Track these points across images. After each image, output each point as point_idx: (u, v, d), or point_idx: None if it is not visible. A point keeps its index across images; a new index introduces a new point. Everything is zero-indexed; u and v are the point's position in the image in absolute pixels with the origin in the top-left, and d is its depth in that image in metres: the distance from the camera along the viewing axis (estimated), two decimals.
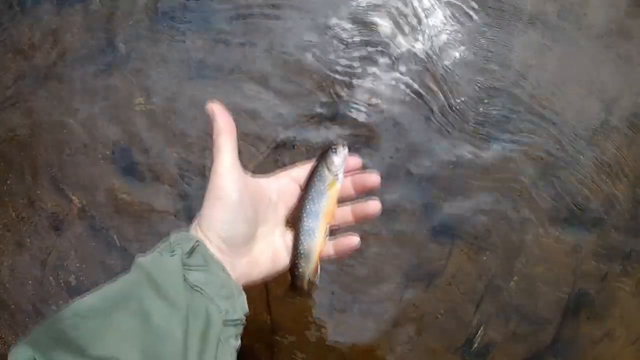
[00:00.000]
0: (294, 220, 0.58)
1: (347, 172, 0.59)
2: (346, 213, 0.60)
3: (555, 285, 0.87)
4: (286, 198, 0.59)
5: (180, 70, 0.94)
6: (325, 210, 0.57)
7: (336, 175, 0.57)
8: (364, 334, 0.85)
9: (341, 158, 0.58)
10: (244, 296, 0.52)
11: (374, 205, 0.58)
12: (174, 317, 0.45)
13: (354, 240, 0.58)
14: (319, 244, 0.57)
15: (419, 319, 0.85)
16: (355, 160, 0.60)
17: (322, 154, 0.59)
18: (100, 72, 0.95)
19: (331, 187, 0.57)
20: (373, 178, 0.59)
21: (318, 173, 0.57)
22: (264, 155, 0.93)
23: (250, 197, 0.54)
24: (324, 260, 0.59)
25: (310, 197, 0.57)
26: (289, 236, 0.59)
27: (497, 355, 0.86)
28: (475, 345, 0.85)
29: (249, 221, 0.54)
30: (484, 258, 0.88)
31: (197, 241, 0.50)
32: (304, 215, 0.57)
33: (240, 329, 0.51)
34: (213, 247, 0.51)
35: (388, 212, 0.88)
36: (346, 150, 0.58)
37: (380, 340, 0.85)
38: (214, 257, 0.50)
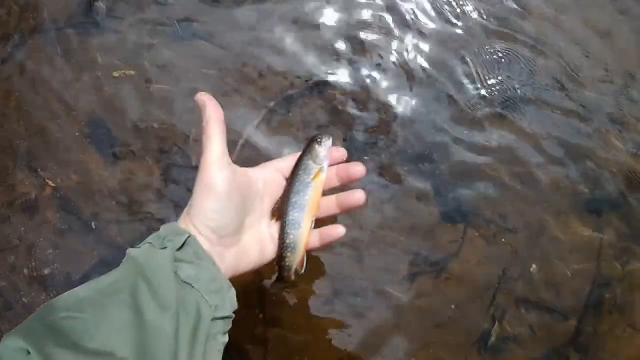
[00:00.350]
0: (280, 212, 0.59)
1: (332, 163, 0.60)
2: (331, 204, 0.61)
3: (577, 273, 0.83)
4: (272, 189, 0.60)
5: (164, 32, 0.90)
6: (310, 202, 0.58)
7: (321, 166, 0.58)
8: (367, 329, 0.78)
9: (325, 149, 0.59)
10: (234, 291, 0.53)
11: (358, 196, 0.59)
12: (165, 312, 0.45)
13: (339, 230, 0.59)
14: (304, 235, 0.58)
15: (429, 312, 0.80)
16: (341, 152, 0.62)
17: (307, 145, 0.60)
18: (77, 36, 0.91)
19: (316, 179, 0.58)
20: (358, 169, 0.60)
21: (303, 164, 0.58)
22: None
23: (239, 186, 0.55)
24: (310, 251, 0.60)
25: (295, 188, 0.58)
26: (274, 227, 0.60)
27: (515, 350, 0.79)
28: (492, 339, 0.79)
29: (238, 211, 0.55)
30: (502, 240, 0.83)
31: (188, 235, 0.50)
32: (290, 206, 0.58)
33: (228, 325, 0.51)
34: (203, 238, 0.52)
35: (394, 190, 0.84)
36: (330, 141, 0.59)
37: (386, 336, 0.78)
38: (204, 250, 0.51)
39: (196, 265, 0.50)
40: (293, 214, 0.58)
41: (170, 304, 0.45)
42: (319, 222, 0.62)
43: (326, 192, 0.62)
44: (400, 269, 0.81)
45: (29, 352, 0.40)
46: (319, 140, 0.59)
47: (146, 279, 0.46)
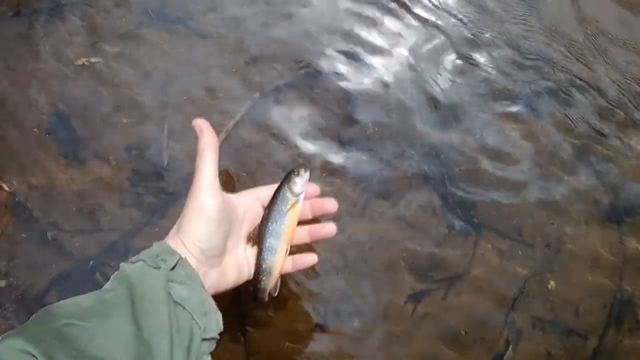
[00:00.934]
0: (258, 238, 0.64)
1: (306, 198, 0.66)
2: (304, 234, 0.66)
3: (598, 289, 0.80)
4: (250, 216, 0.66)
5: (135, 16, 0.87)
6: (286, 230, 0.63)
7: (297, 197, 0.64)
8: (366, 356, 0.73)
9: (303, 181, 0.64)
10: (220, 314, 0.57)
11: (330, 229, 0.65)
12: (160, 331, 0.48)
13: (311, 259, 0.65)
14: (279, 261, 0.63)
15: (437, 336, 0.75)
16: (314, 188, 0.67)
17: (285, 176, 0.65)
18: (37, 21, 0.87)
19: (293, 209, 0.63)
20: (331, 204, 0.66)
21: (281, 195, 0.64)
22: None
23: (227, 212, 0.60)
24: (283, 276, 0.66)
25: (273, 217, 0.63)
26: (249, 251, 0.65)
27: None
28: None
29: (225, 234, 0.60)
30: (518, 254, 0.80)
31: (180, 257, 0.55)
32: (267, 233, 0.63)
33: (213, 346, 0.55)
34: (191, 257, 0.56)
35: (395, 198, 0.81)
36: (308, 174, 0.65)
37: None
38: (195, 272, 0.55)
39: (188, 286, 0.54)
40: (270, 241, 0.63)
41: (164, 323, 0.49)
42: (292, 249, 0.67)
43: (299, 223, 0.66)
44: (403, 288, 0.77)
45: (33, 356, 0.42)
46: (296, 172, 0.64)
47: (141, 297, 0.50)
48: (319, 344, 0.73)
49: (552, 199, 0.83)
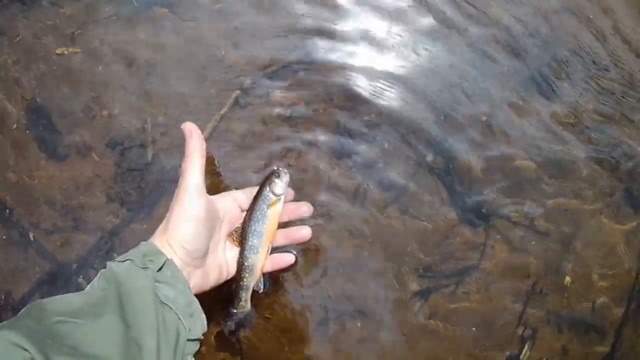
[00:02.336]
0: (240, 238, 0.67)
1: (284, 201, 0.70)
2: (279, 236, 0.70)
3: (615, 281, 0.78)
4: (229, 217, 0.69)
5: (117, 3, 0.84)
6: (268, 230, 0.67)
7: (279, 197, 0.67)
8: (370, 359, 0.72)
9: (284, 182, 0.67)
10: (204, 316, 0.59)
11: (304, 232, 0.69)
12: (148, 330, 0.51)
13: (289, 258, 0.70)
14: (262, 259, 0.67)
15: (446, 336, 0.73)
16: (290, 192, 0.71)
17: (266, 178, 0.68)
18: (16, 9, 0.84)
19: (274, 209, 0.67)
20: (305, 208, 0.70)
21: (262, 196, 0.67)
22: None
23: (211, 213, 0.63)
24: (263, 274, 0.70)
25: (255, 217, 0.67)
26: (229, 251, 0.68)
27: None
28: None
29: (209, 235, 0.63)
30: (533, 244, 0.77)
31: (166, 258, 0.57)
32: (250, 233, 0.66)
33: (197, 347, 0.58)
34: (177, 257, 0.59)
35: (399, 187, 0.79)
36: (288, 175, 0.68)
37: None
38: (181, 274, 0.58)
39: (174, 287, 0.56)
40: (253, 240, 0.66)
41: (152, 323, 0.51)
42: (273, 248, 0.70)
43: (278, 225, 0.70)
44: (409, 285, 0.75)
45: (26, 350, 0.44)
46: (277, 174, 0.67)
47: (129, 296, 0.52)
48: (320, 346, 0.72)
49: (568, 184, 0.81)
